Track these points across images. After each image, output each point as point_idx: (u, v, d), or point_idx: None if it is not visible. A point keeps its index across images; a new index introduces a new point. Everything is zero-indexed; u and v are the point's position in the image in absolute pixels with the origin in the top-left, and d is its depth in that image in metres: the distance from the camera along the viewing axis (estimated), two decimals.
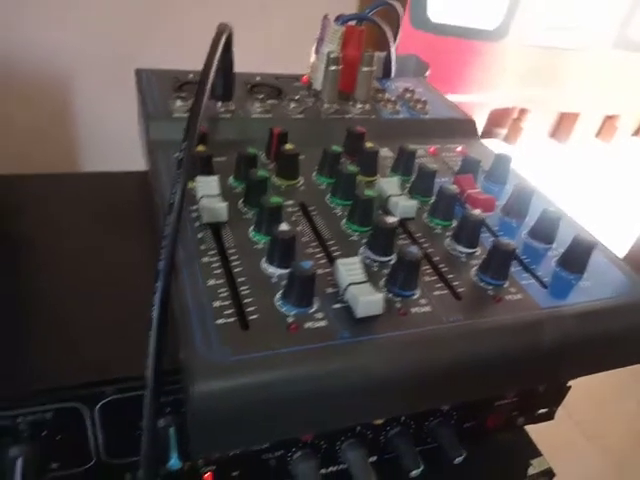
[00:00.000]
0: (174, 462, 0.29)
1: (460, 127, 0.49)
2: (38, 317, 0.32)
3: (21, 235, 0.39)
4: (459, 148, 0.47)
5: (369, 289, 0.28)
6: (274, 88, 0.49)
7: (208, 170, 0.36)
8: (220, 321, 0.26)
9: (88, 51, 0.78)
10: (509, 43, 1.38)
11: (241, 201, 0.35)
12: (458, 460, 0.38)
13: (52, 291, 0.34)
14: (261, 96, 0.45)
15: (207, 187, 0.34)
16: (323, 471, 0.37)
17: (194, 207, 0.33)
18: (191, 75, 0.48)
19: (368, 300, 0.27)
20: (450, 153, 0.46)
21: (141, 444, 0.27)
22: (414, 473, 0.37)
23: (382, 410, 0.30)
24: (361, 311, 0.27)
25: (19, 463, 0.27)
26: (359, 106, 0.48)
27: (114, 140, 0.80)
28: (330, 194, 0.37)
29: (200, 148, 0.37)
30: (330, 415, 0.28)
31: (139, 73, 0.48)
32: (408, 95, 0.52)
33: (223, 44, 0.34)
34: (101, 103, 0.82)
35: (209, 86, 0.31)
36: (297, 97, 0.46)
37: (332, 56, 0.46)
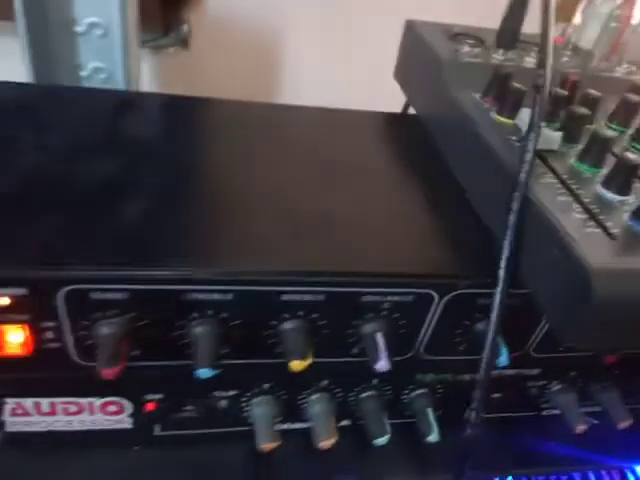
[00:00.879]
0: (504, 359, 0.32)
1: None
2: None
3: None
4: None
5: None
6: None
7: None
8: (588, 230, 0.29)
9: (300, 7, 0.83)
10: None
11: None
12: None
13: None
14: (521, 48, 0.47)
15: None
16: None
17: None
18: (456, 28, 0.51)
19: None
20: None
21: (485, 342, 0.30)
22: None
23: None
24: None
25: (379, 336, 0.31)
26: (625, 66, 0.49)
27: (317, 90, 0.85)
28: None
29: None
30: None
31: (411, 24, 0.52)
32: None
33: None
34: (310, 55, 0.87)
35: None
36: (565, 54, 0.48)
37: (615, 13, 0.46)
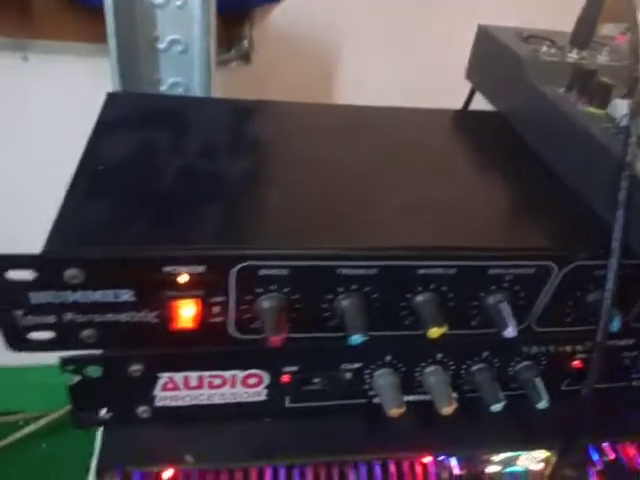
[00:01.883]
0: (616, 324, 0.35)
1: None
2: None
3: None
4: None
5: None
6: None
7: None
8: None
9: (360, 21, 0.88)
10: None
11: None
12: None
13: None
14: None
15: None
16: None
17: None
18: (525, 32, 0.55)
19: None
20: None
21: (600, 310, 0.33)
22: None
23: None
24: None
25: (504, 305, 0.35)
26: None
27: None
28: None
29: None
30: None
31: (482, 28, 0.56)
32: None
33: None
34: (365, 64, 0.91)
35: None
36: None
37: None
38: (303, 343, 0.37)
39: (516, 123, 0.49)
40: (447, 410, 0.39)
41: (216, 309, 0.33)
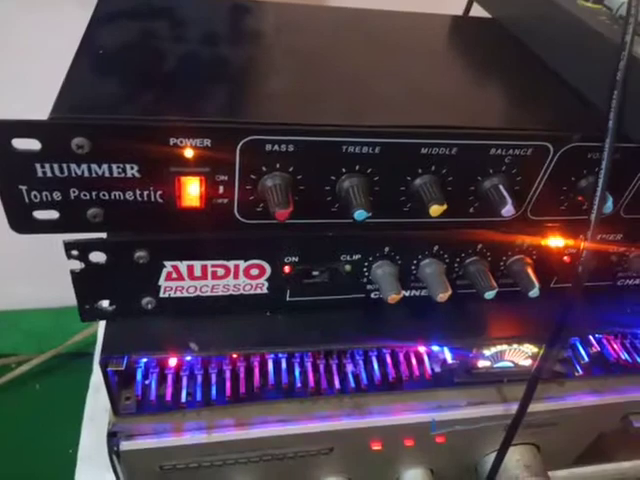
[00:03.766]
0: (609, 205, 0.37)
1: None
2: None
3: None
4: None
5: None
6: None
7: None
8: None
9: None
10: None
11: None
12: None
13: None
14: None
15: None
16: None
17: None
18: None
19: None
20: None
21: (595, 191, 0.35)
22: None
23: None
24: None
25: (502, 186, 0.36)
26: None
27: None
28: None
29: None
30: None
31: None
32: None
33: None
34: None
35: None
36: None
37: None
38: (305, 230, 0.38)
39: (512, 23, 0.49)
40: (442, 296, 0.40)
41: (222, 188, 0.34)
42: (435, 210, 0.34)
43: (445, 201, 0.35)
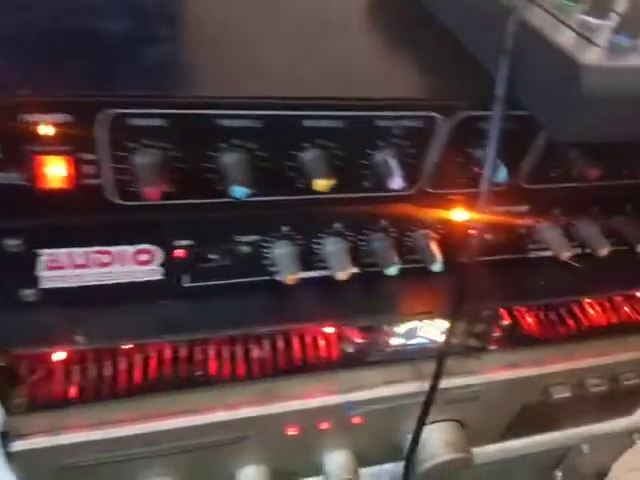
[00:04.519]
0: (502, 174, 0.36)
1: None
2: None
3: None
4: None
5: None
6: None
7: None
8: (577, 41, 0.32)
9: None
10: None
11: None
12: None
13: None
14: None
15: None
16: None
17: None
18: None
19: None
20: None
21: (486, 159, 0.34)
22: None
23: None
24: None
25: (391, 159, 0.34)
26: None
27: None
28: None
29: None
30: None
31: None
32: None
33: None
34: None
35: None
36: None
37: None
38: (192, 212, 0.36)
39: None
40: (342, 275, 0.39)
41: (89, 168, 0.31)
42: (320, 185, 0.33)
43: (333, 176, 0.33)
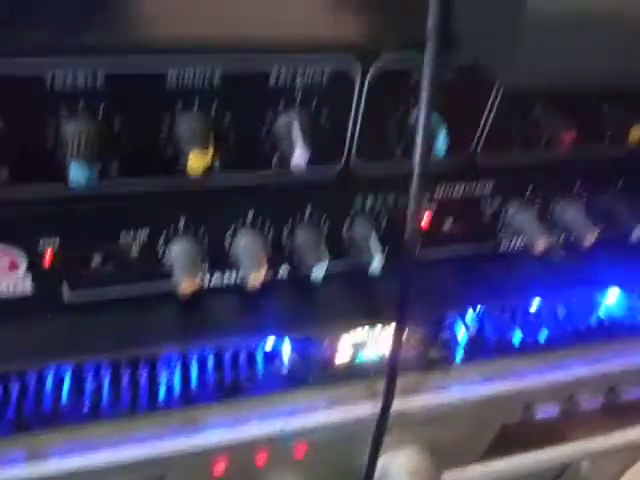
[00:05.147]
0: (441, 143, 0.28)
1: None
2: None
3: None
4: None
5: None
6: None
7: None
8: None
9: None
10: None
11: None
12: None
13: None
14: None
15: None
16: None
17: None
18: None
19: None
20: None
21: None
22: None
23: None
24: None
25: (295, 125, 0.26)
26: None
27: None
28: None
29: None
30: None
31: None
32: None
33: None
34: None
35: None
36: None
37: None
38: (46, 195, 0.28)
39: None
40: (254, 279, 0.31)
41: None
42: (196, 159, 0.25)
43: (209, 145, 0.25)
